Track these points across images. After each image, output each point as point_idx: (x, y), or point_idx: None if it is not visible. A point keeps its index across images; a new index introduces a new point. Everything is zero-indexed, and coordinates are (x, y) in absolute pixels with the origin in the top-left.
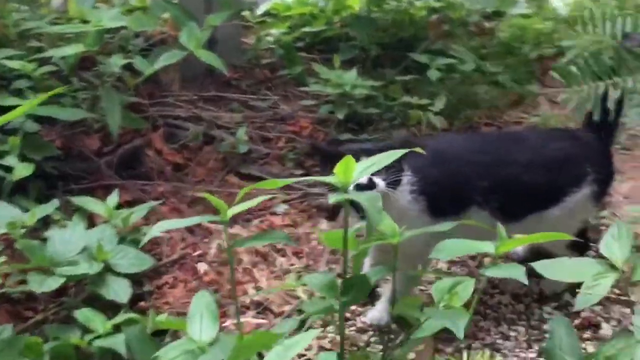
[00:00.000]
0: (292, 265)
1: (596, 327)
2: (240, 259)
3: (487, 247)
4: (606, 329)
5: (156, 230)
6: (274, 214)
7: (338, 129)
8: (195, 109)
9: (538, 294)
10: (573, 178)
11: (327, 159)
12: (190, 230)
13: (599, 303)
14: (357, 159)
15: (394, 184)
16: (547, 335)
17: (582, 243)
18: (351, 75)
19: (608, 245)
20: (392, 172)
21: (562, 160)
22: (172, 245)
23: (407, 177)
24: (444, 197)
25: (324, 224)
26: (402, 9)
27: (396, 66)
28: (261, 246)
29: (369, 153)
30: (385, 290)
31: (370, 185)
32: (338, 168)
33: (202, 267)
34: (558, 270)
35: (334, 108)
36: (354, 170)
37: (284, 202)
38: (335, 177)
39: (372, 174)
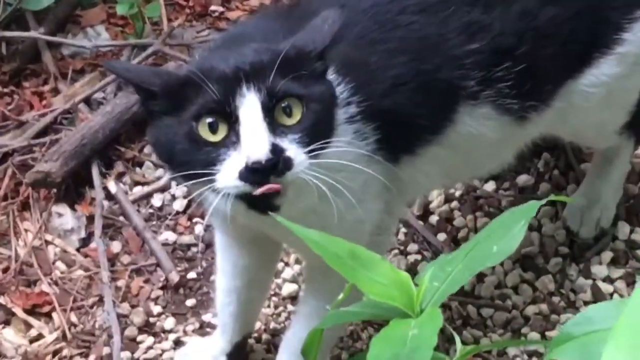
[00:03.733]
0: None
1: None
2: None
3: None
4: None
5: None
6: None
7: None
8: None
9: None
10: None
11: (153, 91)
12: None
13: None
14: (234, 90)
15: (319, 136)
16: None
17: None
18: None
19: None
20: (312, 111)
21: None
22: None
23: (341, 94)
24: (420, 104)
25: (67, 214)
26: None
27: None
28: None
29: (255, 68)
30: (224, 317)
31: (275, 163)
32: None
33: None
34: None
35: None
36: None
37: None
38: None
39: (277, 132)
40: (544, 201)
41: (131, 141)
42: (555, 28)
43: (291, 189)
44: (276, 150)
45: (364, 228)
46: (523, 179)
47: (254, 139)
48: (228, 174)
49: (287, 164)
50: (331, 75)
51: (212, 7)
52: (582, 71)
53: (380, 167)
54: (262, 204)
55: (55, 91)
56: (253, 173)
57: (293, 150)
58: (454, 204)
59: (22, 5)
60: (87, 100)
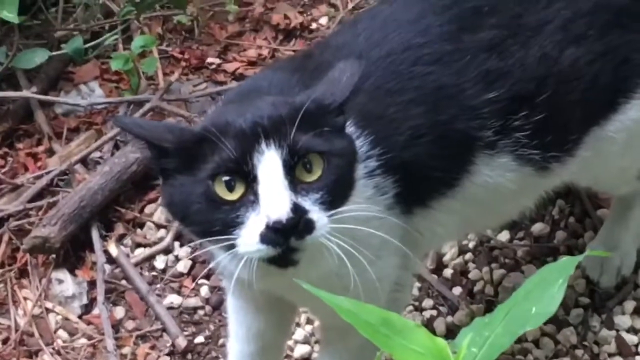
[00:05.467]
0: None
1: None
2: None
3: None
4: None
5: None
6: None
7: None
8: None
9: None
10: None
11: (166, 150)
12: None
13: None
14: (251, 147)
15: (341, 194)
16: None
17: None
18: None
19: None
20: (334, 167)
21: None
22: None
23: (360, 148)
24: (437, 155)
25: (67, 279)
26: None
27: None
28: None
29: (274, 123)
30: None
31: (296, 223)
32: None
33: None
34: None
35: None
36: None
37: None
38: None
39: (298, 190)
40: (581, 257)
41: (131, 201)
42: (578, 72)
43: (310, 248)
44: (298, 209)
45: (383, 285)
46: (538, 227)
47: (274, 198)
48: (249, 238)
49: (308, 226)
50: (350, 128)
51: (209, 60)
52: (608, 118)
53: (399, 221)
54: (280, 259)
55: (50, 152)
56: (274, 233)
57: (315, 212)
58: (468, 255)
59: (12, 64)
60: (84, 160)
